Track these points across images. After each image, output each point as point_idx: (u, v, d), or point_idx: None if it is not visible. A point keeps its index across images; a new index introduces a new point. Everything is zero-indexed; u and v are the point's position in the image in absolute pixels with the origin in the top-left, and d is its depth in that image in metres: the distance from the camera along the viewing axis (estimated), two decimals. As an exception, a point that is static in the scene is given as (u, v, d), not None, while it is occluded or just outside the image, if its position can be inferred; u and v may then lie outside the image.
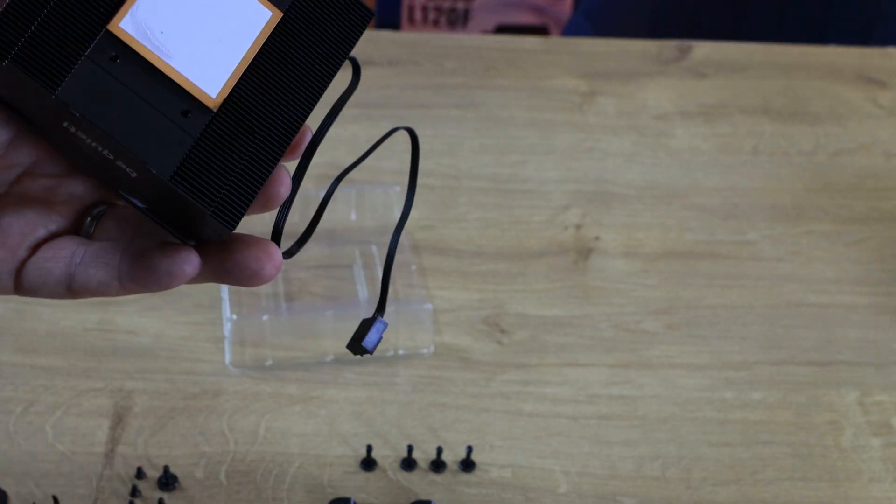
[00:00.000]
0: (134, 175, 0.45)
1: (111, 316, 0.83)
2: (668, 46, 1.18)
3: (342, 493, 0.72)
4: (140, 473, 0.72)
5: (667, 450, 0.76)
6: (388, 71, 1.11)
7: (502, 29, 2.20)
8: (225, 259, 0.47)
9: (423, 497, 0.72)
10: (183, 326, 0.83)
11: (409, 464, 0.74)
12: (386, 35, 1.19)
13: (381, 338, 0.53)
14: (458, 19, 2.20)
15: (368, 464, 0.74)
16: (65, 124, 0.44)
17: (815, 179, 1.01)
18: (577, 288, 0.89)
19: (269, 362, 0.80)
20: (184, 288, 0.85)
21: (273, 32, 0.46)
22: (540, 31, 2.19)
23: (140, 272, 0.47)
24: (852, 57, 1.18)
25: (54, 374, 0.78)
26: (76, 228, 0.50)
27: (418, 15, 2.19)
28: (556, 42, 1.24)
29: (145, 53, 0.44)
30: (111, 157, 0.44)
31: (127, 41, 0.44)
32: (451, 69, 1.12)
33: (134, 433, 0.75)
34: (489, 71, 1.13)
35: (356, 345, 0.52)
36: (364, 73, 1.12)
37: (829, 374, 0.82)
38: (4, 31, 0.42)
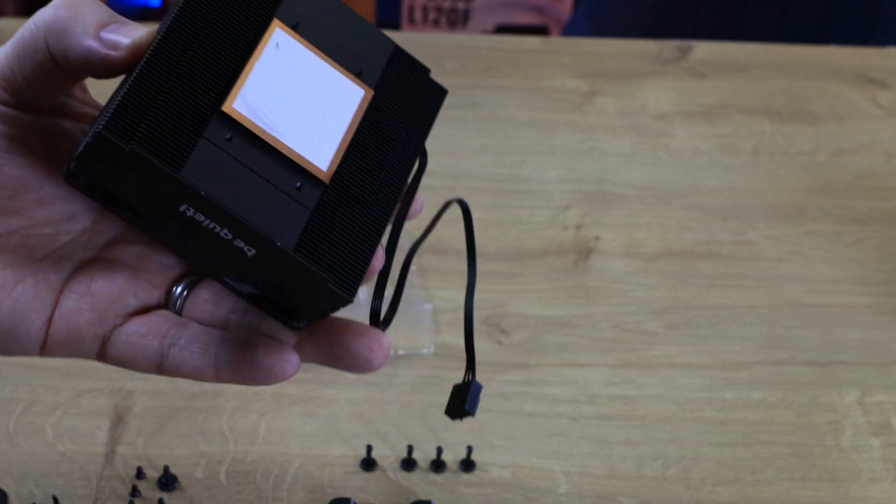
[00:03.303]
0: (251, 253, 0.45)
1: (111, 316, 0.83)
2: (668, 46, 1.18)
3: (342, 493, 0.72)
4: (140, 473, 0.72)
5: (667, 450, 0.76)
6: (388, 71, 1.11)
7: (502, 29, 2.20)
8: (335, 346, 0.48)
9: (423, 497, 0.72)
10: (183, 326, 0.83)
11: (409, 464, 0.74)
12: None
13: (479, 400, 0.53)
14: (458, 19, 2.20)
15: (368, 464, 0.74)
16: (182, 208, 0.44)
17: (815, 179, 1.01)
18: (577, 288, 0.89)
19: (269, 362, 0.80)
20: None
21: (368, 109, 0.48)
22: (540, 31, 2.20)
23: (240, 366, 0.47)
24: (852, 57, 1.18)
25: (54, 374, 0.78)
26: (165, 300, 0.50)
27: (418, 15, 2.19)
28: (556, 42, 1.24)
29: (258, 132, 0.45)
30: (229, 236, 0.45)
31: (241, 121, 0.45)
32: (451, 69, 1.12)
33: (134, 433, 0.75)
34: (489, 71, 1.13)
35: (458, 409, 0.53)
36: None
37: (829, 374, 0.82)
38: (124, 120, 0.43)
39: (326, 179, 0.46)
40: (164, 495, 0.71)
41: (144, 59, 0.44)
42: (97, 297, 0.49)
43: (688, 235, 0.94)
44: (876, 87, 1.13)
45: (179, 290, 0.50)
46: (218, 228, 0.44)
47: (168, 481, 0.71)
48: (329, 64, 0.48)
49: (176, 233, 0.47)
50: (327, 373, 0.80)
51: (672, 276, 0.90)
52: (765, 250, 0.93)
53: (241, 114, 0.45)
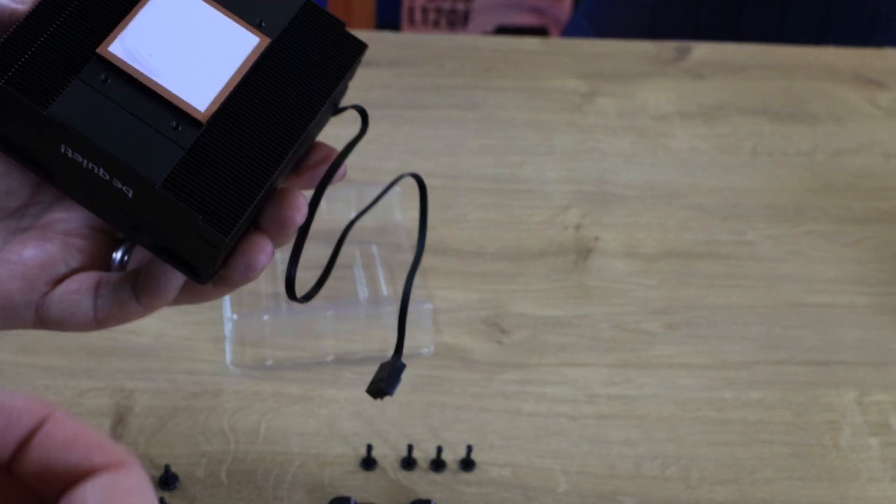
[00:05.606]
0: (131, 195, 0.46)
1: (112, 316, 0.83)
2: (667, 47, 1.18)
3: (342, 493, 0.72)
4: (141, 473, 0.72)
5: (666, 449, 0.76)
6: (388, 71, 1.11)
7: (502, 30, 2.20)
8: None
9: (423, 496, 0.72)
10: (183, 326, 0.83)
11: (409, 463, 0.74)
12: (386, 36, 1.19)
13: (400, 380, 0.54)
14: (458, 20, 2.20)
15: (369, 463, 0.74)
16: (62, 149, 0.45)
17: (815, 179, 1.01)
18: (577, 288, 0.89)
19: (269, 362, 0.81)
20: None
21: (261, 57, 0.49)
22: (540, 31, 2.20)
23: (150, 282, 0.49)
24: (851, 58, 1.18)
25: (55, 373, 0.79)
26: (100, 265, 0.51)
27: (418, 16, 2.19)
28: (555, 43, 1.24)
29: (134, 73, 0.46)
30: (106, 177, 0.46)
31: (117, 63, 0.46)
32: (451, 70, 1.12)
33: (135, 432, 0.75)
34: (489, 72, 1.13)
35: (376, 387, 0.53)
36: (364, 73, 1.12)
37: (828, 374, 0.83)
38: (3, 60, 0.45)
39: (203, 120, 0.47)
40: (165, 494, 0.71)
41: (35, 6, 0.46)
42: (28, 265, 0.49)
43: (687, 235, 0.94)
44: (874, 88, 1.13)
45: (119, 255, 0.51)
46: (96, 168, 0.46)
47: (169, 480, 0.72)
48: (223, 14, 0.49)
49: (80, 186, 0.48)
50: (327, 373, 0.80)
51: (672, 276, 0.90)
52: (764, 250, 0.93)
53: (116, 56, 0.46)
